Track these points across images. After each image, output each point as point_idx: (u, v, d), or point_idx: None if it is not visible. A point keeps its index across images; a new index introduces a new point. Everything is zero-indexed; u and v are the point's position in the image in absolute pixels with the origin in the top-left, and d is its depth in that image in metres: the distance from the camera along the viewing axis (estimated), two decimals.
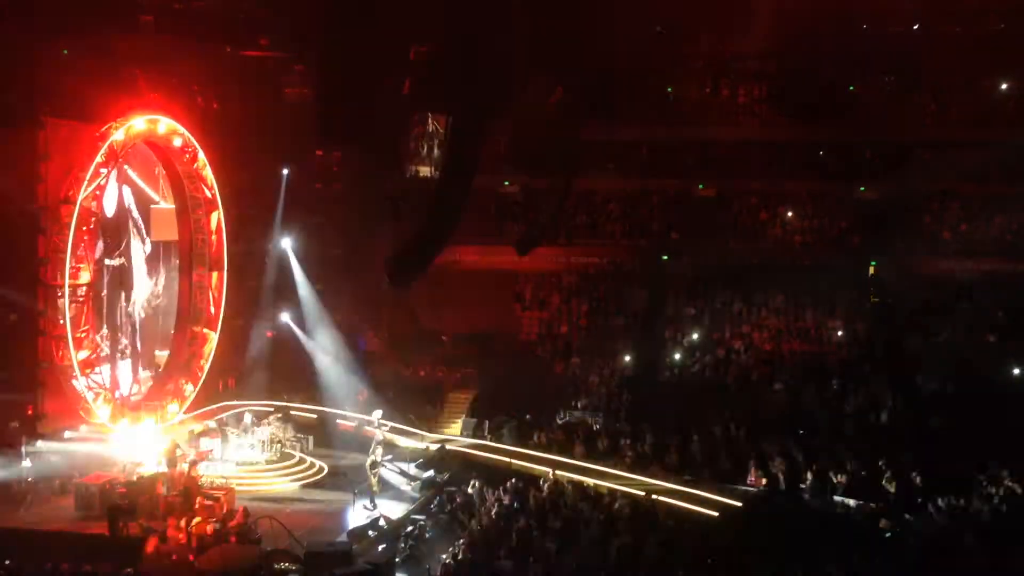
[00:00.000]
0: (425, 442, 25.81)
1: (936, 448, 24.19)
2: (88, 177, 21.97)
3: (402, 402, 27.89)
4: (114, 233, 25.44)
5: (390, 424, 25.53)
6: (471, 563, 16.21)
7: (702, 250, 34.09)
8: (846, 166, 35.07)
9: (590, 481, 21.86)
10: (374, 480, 22.14)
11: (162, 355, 27.68)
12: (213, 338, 27.68)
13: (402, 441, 25.78)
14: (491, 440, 25.93)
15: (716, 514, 19.58)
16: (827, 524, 19.30)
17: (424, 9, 17.97)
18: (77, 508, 20.41)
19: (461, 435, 26.72)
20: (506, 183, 35.61)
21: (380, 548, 17.83)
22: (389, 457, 24.63)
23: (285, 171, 30.96)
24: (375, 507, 21.39)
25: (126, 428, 23.46)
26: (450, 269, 32.26)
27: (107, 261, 25.06)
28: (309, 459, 25.37)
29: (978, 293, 31.37)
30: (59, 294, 21.73)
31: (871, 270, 32.76)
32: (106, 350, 24.82)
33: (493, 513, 18.94)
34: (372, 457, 22.38)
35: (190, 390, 26.98)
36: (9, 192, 21.08)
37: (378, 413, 25.24)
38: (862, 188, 34.84)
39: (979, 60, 34.93)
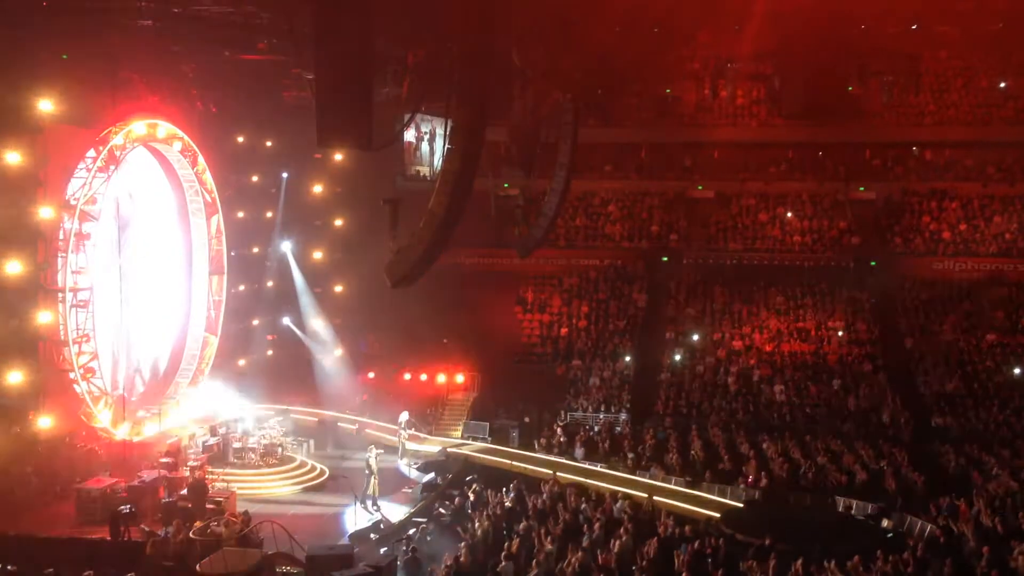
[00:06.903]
0: (438, 446, 25.82)
1: (936, 448, 24.26)
2: (88, 181, 21.98)
3: (403, 404, 27.87)
4: (113, 237, 25.41)
5: (410, 431, 25.59)
6: (472, 565, 16.20)
7: (702, 251, 34.17)
8: (845, 166, 35.12)
9: (591, 483, 21.84)
10: (374, 482, 22.13)
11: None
12: (214, 342, 27.70)
13: (415, 445, 25.76)
14: (492, 442, 25.93)
15: (717, 515, 19.57)
16: (828, 524, 19.32)
17: (423, 13, 17.96)
18: (79, 513, 20.43)
19: (463, 437, 26.69)
20: (506, 185, 35.66)
21: (381, 551, 17.84)
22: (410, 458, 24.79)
23: (285, 174, 31.02)
24: (378, 509, 21.41)
25: (127, 432, 23.44)
26: (451, 271, 32.28)
27: (107, 265, 25.03)
28: (310, 462, 25.38)
29: (977, 293, 31.42)
30: (59, 299, 21.73)
31: (870, 270, 32.74)
32: (107, 354, 24.79)
33: (494, 515, 18.92)
34: (370, 458, 22.35)
35: (192, 393, 26.99)
36: (9, 196, 21.05)
37: (404, 415, 25.33)
38: (861, 188, 34.90)
39: (978, 60, 35.00)
